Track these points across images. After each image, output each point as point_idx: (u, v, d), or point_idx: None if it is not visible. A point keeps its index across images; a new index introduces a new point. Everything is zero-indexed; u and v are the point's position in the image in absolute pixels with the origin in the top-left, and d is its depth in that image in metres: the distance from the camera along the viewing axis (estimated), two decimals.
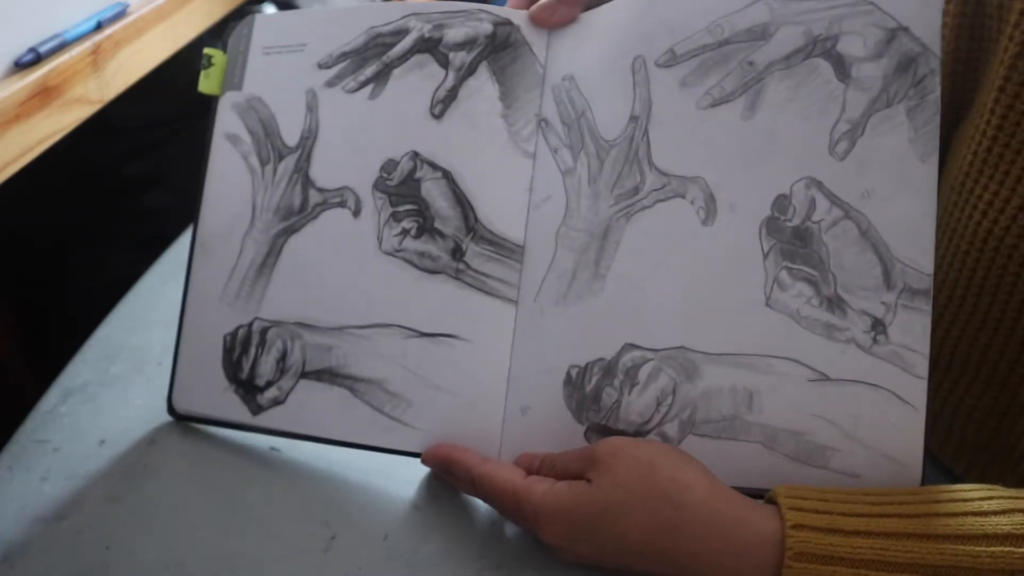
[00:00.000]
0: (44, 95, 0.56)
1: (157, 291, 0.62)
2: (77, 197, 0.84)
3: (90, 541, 0.42)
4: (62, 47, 0.58)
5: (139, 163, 0.84)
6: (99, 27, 0.62)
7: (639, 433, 0.40)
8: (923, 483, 0.41)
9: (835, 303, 0.39)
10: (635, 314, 0.41)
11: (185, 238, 0.67)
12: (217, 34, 0.78)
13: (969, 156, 0.49)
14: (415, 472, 0.45)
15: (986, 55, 0.50)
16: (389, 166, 0.45)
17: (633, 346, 0.41)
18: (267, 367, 0.45)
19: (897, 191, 0.39)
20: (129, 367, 0.54)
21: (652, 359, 0.41)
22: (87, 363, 0.55)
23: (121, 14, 0.65)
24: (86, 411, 0.51)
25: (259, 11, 0.90)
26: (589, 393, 0.41)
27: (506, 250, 0.43)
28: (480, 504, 0.43)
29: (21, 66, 0.55)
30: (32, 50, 0.56)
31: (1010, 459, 0.51)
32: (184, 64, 0.73)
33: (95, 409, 0.51)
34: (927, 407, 0.39)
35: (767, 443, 0.39)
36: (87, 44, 0.60)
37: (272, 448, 0.47)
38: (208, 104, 0.49)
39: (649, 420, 0.40)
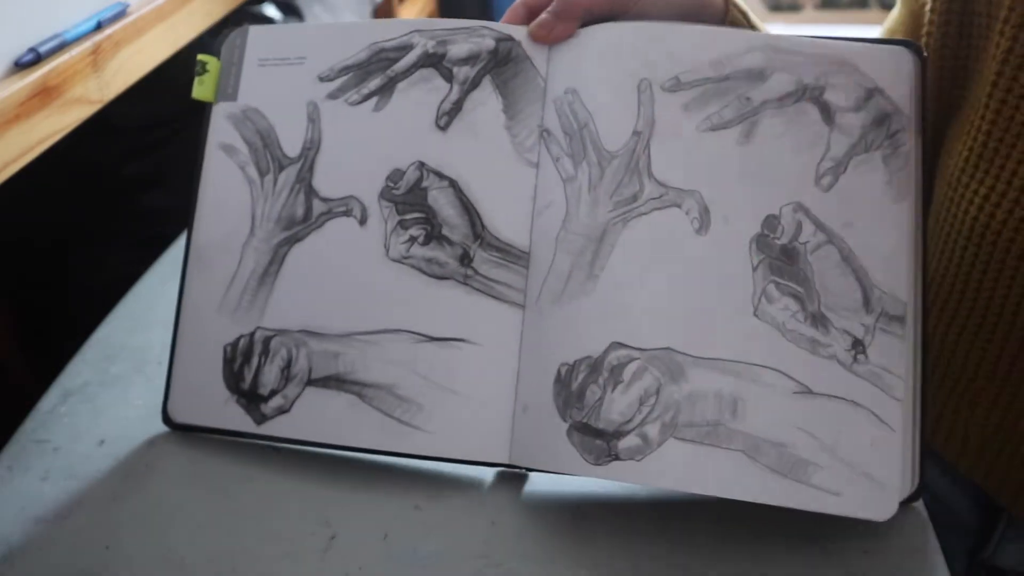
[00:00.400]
0: (44, 95, 0.56)
1: (157, 291, 0.62)
2: (77, 197, 0.84)
3: (90, 541, 0.42)
4: (62, 47, 0.58)
5: (139, 163, 0.84)
6: (99, 27, 0.62)
7: (619, 433, 0.41)
8: (922, 487, 0.41)
9: (819, 320, 0.41)
10: (624, 314, 0.42)
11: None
12: (217, 34, 0.78)
13: (964, 151, 0.50)
14: (415, 472, 0.45)
15: (976, 52, 0.50)
16: (395, 175, 0.45)
17: (620, 344, 0.41)
18: (271, 376, 0.45)
19: (874, 225, 0.42)
20: (129, 367, 0.54)
21: (638, 358, 0.41)
22: (87, 363, 0.55)
23: (121, 14, 0.65)
24: (86, 411, 0.51)
25: (259, 11, 0.90)
26: (575, 391, 0.42)
27: (512, 256, 0.44)
28: (480, 504, 0.43)
29: (21, 66, 0.55)
30: (32, 50, 0.56)
31: (1015, 455, 0.51)
32: (184, 64, 0.73)
33: (95, 409, 0.51)
34: (914, 420, 0.40)
35: (749, 452, 0.40)
36: (87, 44, 0.60)
37: (272, 447, 0.47)
38: (202, 110, 0.49)
39: (631, 420, 0.41)
